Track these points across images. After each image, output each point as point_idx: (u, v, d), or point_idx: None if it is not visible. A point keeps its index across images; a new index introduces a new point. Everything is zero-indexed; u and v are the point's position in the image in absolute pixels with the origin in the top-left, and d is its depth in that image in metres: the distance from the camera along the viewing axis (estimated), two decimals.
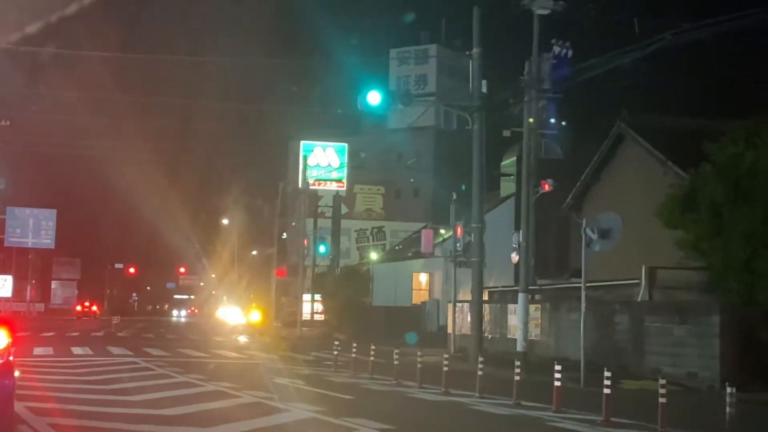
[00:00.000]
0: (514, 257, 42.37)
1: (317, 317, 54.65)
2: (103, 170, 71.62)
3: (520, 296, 24.27)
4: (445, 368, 18.15)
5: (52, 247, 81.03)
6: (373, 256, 54.55)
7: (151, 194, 71.20)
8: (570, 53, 26.52)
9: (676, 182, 25.03)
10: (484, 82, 26.50)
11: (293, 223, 71.93)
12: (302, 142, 61.71)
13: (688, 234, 23.07)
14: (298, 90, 78.49)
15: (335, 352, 23.28)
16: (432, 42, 69.38)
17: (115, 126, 55.19)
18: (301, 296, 48.93)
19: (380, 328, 40.09)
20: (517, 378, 15.93)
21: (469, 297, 33.71)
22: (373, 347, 21.73)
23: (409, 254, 50.28)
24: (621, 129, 30.34)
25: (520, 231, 24.64)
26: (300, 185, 55.61)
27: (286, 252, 70.17)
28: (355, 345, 22.40)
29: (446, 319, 40.30)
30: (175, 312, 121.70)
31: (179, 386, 17.36)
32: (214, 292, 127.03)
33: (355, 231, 66.60)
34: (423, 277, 48.25)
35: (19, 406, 13.23)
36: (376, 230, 66.90)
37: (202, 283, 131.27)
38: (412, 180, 66.25)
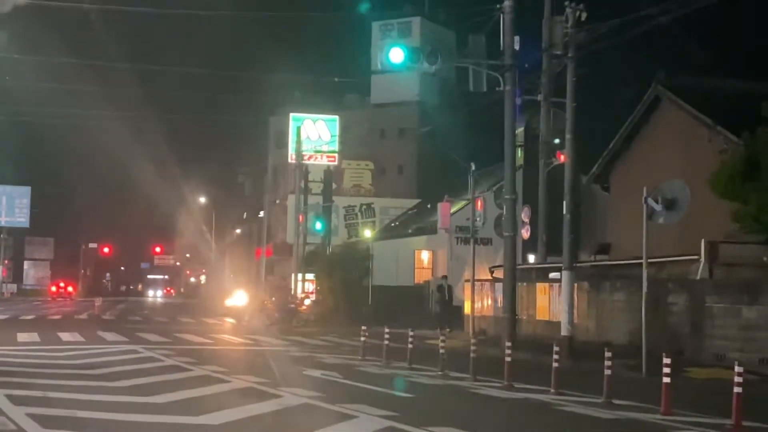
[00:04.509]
0: (525, 233, 40.27)
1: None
2: (76, 146, 68.65)
3: (565, 274, 21.86)
4: (508, 359, 15.66)
5: (27, 225, 78.39)
6: (367, 233, 51.89)
7: (127, 172, 68.19)
8: (584, 16, 24.05)
9: (727, 148, 22.77)
10: (517, 38, 23.99)
11: (277, 201, 69.27)
12: (292, 115, 58.96)
13: (748, 205, 20.81)
14: (280, 63, 75.86)
15: (362, 339, 20.80)
16: (415, 14, 66.83)
17: (88, 97, 51.97)
18: (295, 275, 46.35)
19: (381, 309, 37.63)
20: (607, 372, 13.43)
21: (480, 276, 31.42)
22: (411, 333, 19.28)
23: (410, 231, 47.80)
24: (658, 91, 27.83)
25: (570, 205, 22.18)
26: (292, 159, 52.97)
27: (269, 231, 67.63)
28: (387, 331, 19.84)
29: (455, 299, 38.04)
30: (150, 292, 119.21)
31: (201, 382, 14.86)
32: (188, 272, 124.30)
33: (344, 208, 63.91)
34: (425, 255, 45.79)
35: (19, 413, 10.87)
36: (365, 207, 64.25)
37: (178, 263, 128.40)
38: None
